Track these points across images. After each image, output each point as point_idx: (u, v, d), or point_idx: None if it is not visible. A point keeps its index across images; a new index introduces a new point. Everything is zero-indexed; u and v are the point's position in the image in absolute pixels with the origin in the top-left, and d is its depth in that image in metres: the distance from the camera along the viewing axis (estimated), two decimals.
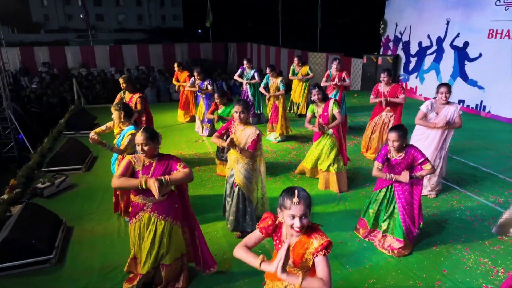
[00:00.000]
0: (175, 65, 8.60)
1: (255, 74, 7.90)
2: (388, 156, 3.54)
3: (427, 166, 3.40)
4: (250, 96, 8.02)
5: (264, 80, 7.26)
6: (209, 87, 7.20)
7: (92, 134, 3.83)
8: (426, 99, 10.61)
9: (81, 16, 47.11)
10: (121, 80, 5.20)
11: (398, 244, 3.62)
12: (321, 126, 4.76)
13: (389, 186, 3.62)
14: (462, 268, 3.46)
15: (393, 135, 3.37)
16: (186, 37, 33.62)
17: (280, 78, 7.03)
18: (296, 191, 1.90)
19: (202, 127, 7.57)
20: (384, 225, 3.71)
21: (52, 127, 7.76)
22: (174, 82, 8.74)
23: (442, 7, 9.93)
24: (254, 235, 2.11)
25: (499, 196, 4.88)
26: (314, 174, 5.36)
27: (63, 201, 4.84)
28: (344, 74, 7.38)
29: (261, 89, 7.28)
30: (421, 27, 10.69)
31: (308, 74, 8.50)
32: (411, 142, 4.84)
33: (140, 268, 3.09)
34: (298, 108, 8.87)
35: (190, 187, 5.12)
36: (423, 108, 4.71)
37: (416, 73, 11.07)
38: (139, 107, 5.08)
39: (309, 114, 4.98)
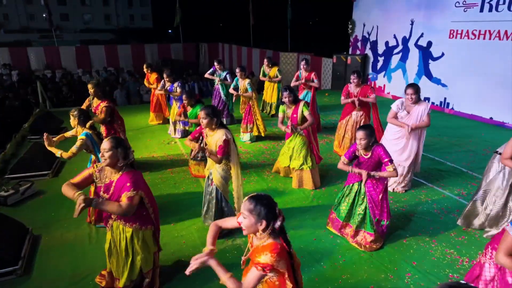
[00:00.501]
0: (144, 66, 8.45)
1: (227, 76, 7.90)
2: (357, 154, 3.65)
3: (390, 168, 3.48)
4: (223, 96, 7.99)
5: (234, 82, 7.27)
6: (178, 90, 7.10)
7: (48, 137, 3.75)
8: (394, 97, 10.99)
9: (44, 15, 45.56)
10: (89, 86, 5.06)
11: (370, 237, 3.72)
12: (293, 127, 4.83)
13: (360, 181, 3.71)
14: (430, 259, 3.60)
15: (360, 134, 3.48)
16: (155, 37, 33.02)
17: (247, 81, 7.01)
18: (252, 196, 1.98)
19: (175, 129, 7.47)
20: (356, 220, 3.81)
21: (15, 132, 7.42)
22: (145, 83, 8.57)
23: (406, 8, 10.29)
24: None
25: (463, 189, 5.12)
26: (287, 173, 5.42)
27: (29, 209, 4.63)
28: (313, 75, 7.44)
29: (231, 90, 7.28)
30: (388, 27, 11.04)
31: (276, 76, 8.60)
32: (386, 140, 5.03)
33: (117, 283, 3.01)
34: (271, 108, 8.94)
35: (164, 189, 5.11)
36: (394, 107, 4.89)
37: (384, 72, 11.41)
38: (102, 116, 4.96)
39: (280, 115, 5.06)
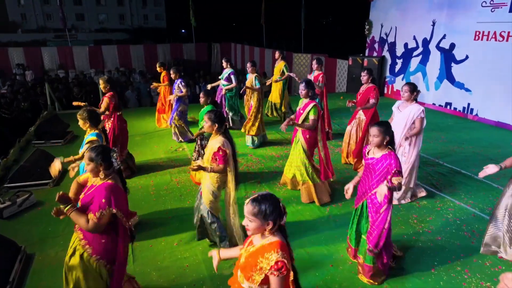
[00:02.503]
0: (158, 65, 8.14)
1: (232, 77, 7.44)
2: (365, 153, 3.23)
3: (397, 180, 2.94)
4: (226, 102, 7.65)
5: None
6: (183, 89, 6.77)
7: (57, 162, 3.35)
8: None
9: (60, 15, 46.11)
10: (100, 81, 4.95)
11: (367, 270, 3.25)
12: (291, 120, 4.48)
13: (364, 201, 3.23)
14: None
15: (373, 130, 3.05)
16: (169, 37, 33.03)
17: (255, 75, 6.82)
18: (254, 198, 1.88)
19: (179, 133, 7.11)
20: (359, 246, 3.39)
21: (21, 134, 7.23)
22: (154, 84, 8.33)
23: (427, 7, 9.76)
24: None
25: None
26: (295, 185, 5.02)
27: (25, 222, 4.37)
28: (320, 77, 6.90)
29: (245, 88, 6.92)
30: (407, 28, 10.52)
31: (283, 72, 8.11)
32: None
33: None
34: (276, 110, 8.56)
35: (168, 202, 4.78)
36: (394, 108, 4.72)
37: (402, 75, 10.90)
38: (102, 107, 4.78)
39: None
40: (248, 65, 7.02)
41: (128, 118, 9.21)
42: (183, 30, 37.81)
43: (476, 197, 4.91)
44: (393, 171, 2.97)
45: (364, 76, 5.57)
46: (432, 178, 5.47)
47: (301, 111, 4.58)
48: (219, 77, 7.76)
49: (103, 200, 2.42)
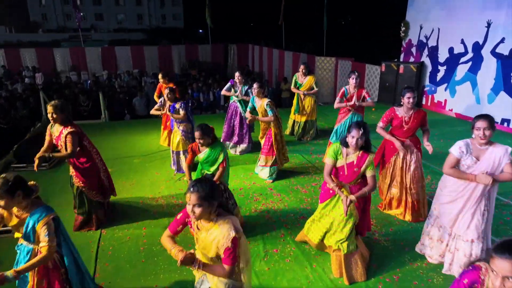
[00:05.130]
0: (160, 75, 7.02)
1: (250, 92, 6.34)
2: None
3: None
4: (243, 114, 6.48)
5: (250, 104, 5.48)
6: (181, 112, 5.47)
7: None
8: (458, 116, 9.01)
9: (81, 15, 46.35)
10: (49, 109, 3.66)
11: None
12: (346, 188, 3.21)
13: None
14: None
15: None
16: (186, 37, 32.22)
17: (266, 101, 5.18)
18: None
19: (178, 161, 5.75)
20: None
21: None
22: (155, 98, 7.15)
23: (480, 6, 8.28)
24: None
25: None
26: (322, 247, 3.70)
27: None
28: (364, 92, 5.68)
29: (247, 114, 5.36)
30: (453, 30, 9.05)
31: (312, 88, 7.00)
32: (439, 198, 3.47)
33: None
34: (300, 128, 7.31)
35: (160, 267, 3.29)
36: (455, 151, 3.16)
37: (445, 85, 9.42)
38: (69, 148, 3.61)
39: (329, 161, 3.28)
40: (255, 86, 5.29)
41: (129, 131, 8.13)
42: (200, 30, 37.06)
43: None
44: None
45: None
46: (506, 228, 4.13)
47: (356, 169, 3.21)
48: (234, 90, 6.57)
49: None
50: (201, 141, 3.68)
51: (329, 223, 3.42)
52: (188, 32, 39.62)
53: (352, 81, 5.60)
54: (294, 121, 7.45)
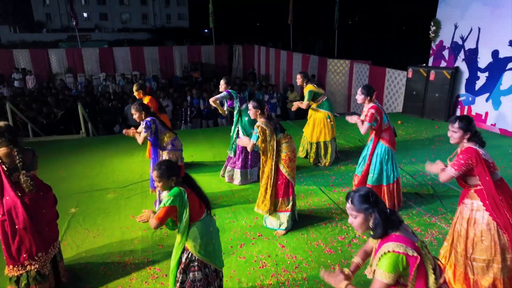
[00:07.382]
0: (134, 87, 5.77)
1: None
2: None
3: None
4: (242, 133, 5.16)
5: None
6: (143, 134, 4.19)
7: None
8: (503, 132, 7.54)
9: (85, 15, 45.56)
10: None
11: None
12: None
13: None
14: None
15: None
16: (191, 37, 31.06)
17: (258, 123, 3.86)
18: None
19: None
20: None
21: None
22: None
23: None
24: None
25: None
26: None
27: None
28: (369, 112, 4.05)
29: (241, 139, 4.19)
30: (498, 30, 7.57)
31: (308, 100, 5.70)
32: None
33: None
34: (312, 150, 5.94)
35: None
36: None
37: (487, 94, 7.95)
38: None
39: (390, 280, 1.89)
40: (250, 106, 3.92)
41: (110, 151, 6.65)
42: (205, 30, 35.93)
43: None
44: None
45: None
46: None
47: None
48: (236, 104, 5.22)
49: None
50: (159, 185, 2.59)
51: None
52: (194, 32, 38.54)
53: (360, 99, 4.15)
54: (308, 141, 6.07)
